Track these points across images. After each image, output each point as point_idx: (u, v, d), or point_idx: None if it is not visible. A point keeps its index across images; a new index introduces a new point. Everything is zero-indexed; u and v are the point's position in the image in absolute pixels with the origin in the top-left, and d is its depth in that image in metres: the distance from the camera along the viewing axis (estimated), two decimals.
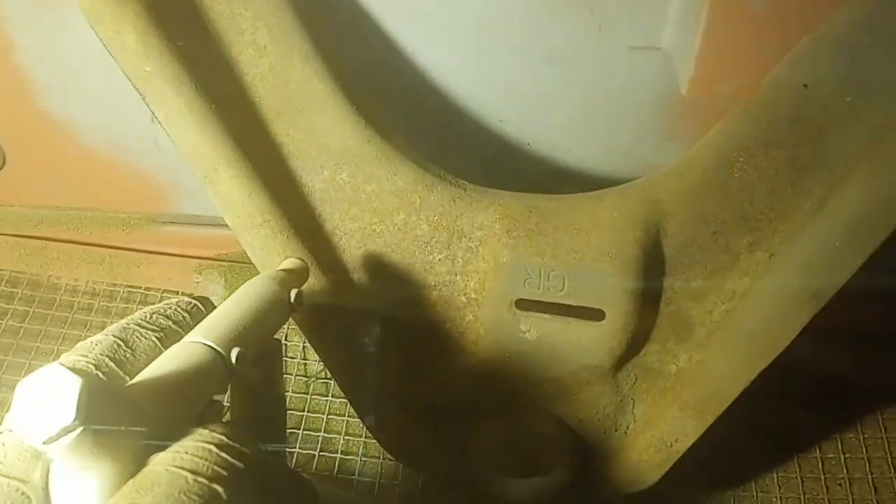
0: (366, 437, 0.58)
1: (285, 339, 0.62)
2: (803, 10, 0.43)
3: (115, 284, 0.66)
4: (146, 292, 0.66)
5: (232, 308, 0.34)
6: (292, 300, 0.38)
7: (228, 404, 0.34)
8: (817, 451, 0.56)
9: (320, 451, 0.57)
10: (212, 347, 0.31)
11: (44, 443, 0.23)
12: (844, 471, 0.55)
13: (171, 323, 0.34)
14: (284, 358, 0.61)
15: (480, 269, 0.48)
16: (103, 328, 0.32)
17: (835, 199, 0.44)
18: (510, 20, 0.50)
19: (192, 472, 0.25)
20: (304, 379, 0.60)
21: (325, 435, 0.57)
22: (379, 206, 0.48)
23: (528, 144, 0.56)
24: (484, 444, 0.50)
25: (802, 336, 0.44)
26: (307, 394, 0.59)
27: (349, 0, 0.51)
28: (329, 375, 0.59)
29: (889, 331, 0.59)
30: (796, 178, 0.45)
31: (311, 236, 0.48)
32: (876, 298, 0.55)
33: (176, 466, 0.25)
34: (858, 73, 0.42)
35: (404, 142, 0.50)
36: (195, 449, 0.26)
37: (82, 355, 0.30)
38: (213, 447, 0.27)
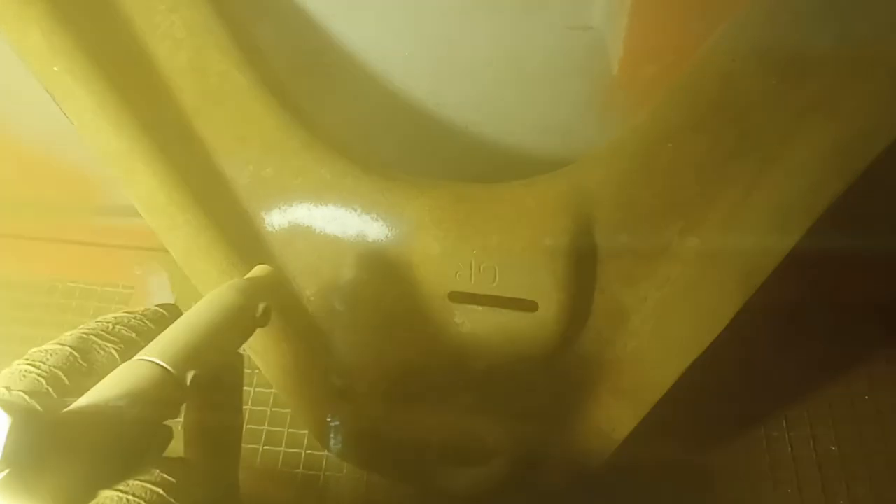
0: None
1: None
2: None
3: (53, 279, 0.65)
4: (86, 286, 0.65)
5: (191, 323, 0.31)
6: (259, 314, 0.35)
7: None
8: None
9: (264, 445, 0.56)
10: (164, 368, 0.28)
11: None
12: (789, 450, 0.55)
13: (133, 334, 0.31)
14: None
15: (412, 261, 0.48)
16: (44, 325, 0.30)
17: (763, 182, 0.43)
18: (437, 5, 0.49)
19: None
20: (248, 371, 0.59)
21: (269, 428, 0.57)
22: (306, 200, 0.47)
23: (465, 128, 0.55)
24: (422, 436, 0.50)
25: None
26: (251, 386, 0.59)
27: None
28: None
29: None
30: (724, 161, 0.44)
31: (238, 234, 0.47)
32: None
33: None
34: (781, 54, 0.41)
35: (332, 133, 0.49)
36: (142, 492, 0.25)
37: (32, 365, 0.28)
38: (160, 490, 0.25)
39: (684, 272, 0.46)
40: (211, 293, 0.34)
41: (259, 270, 0.39)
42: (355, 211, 0.47)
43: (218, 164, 0.47)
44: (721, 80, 0.42)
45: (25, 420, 0.22)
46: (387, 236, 0.47)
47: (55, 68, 0.43)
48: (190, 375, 0.28)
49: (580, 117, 0.53)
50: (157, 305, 0.34)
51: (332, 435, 0.50)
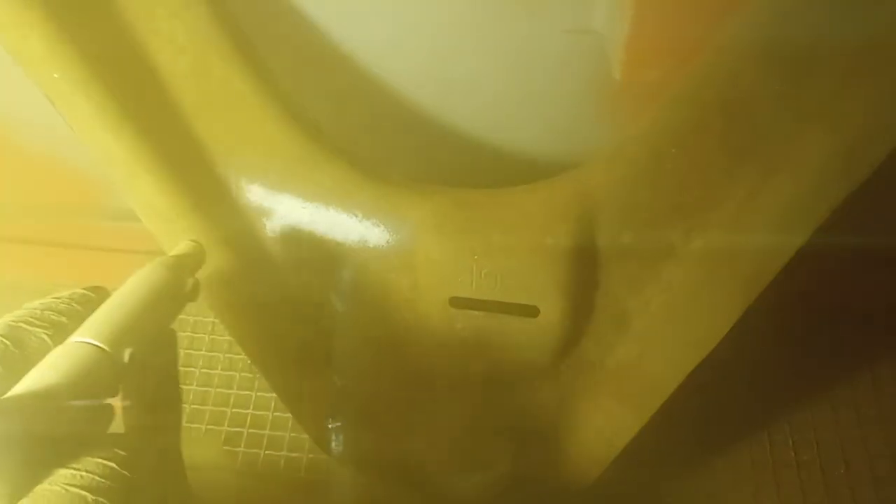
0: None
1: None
2: None
3: (54, 282, 0.65)
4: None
5: (121, 302, 0.31)
6: (188, 288, 0.35)
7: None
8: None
9: (265, 449, 0.56)
10: (99, 347, 0.28)
11: None
12: (793, 454, 0.55)
13: (63, 318, 0.31)
14: (230, 355, 0.61)
15: (413, 266, 0.47)
16: None
17: (768, 185, 0.43)
18: (438, 8, 0.49)
19: (93, 492, 0.24)
20: (249, 376, 0.60)
21: (271, 433, 0.57)
22: (308, 207, 0.47)
23: (466, 133, 0.55)
24: (424, 442, 0.50)
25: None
26: (252, 391, 0.59)
27: None
28: None
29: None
30: (728, 165, 0.43)
31: (239, 240, 0.47)
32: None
33: (75, 486, 0.24)
34: (787, 55, 0.41)
35: (332, 137, 0.48)
36: (94, 466, 0.25)
37: None
38: (113, 464, 0.26)
39: (688, 276, 0.46)
40: (138, 272, 0.34)
41: (185, 247, 0.39)
42: (356, 216, 0.47)
43: (218, 170, 0.47)
44: (725, 83, 0.42)
45: None
46: (388, 241, 0.47)
47: (55, 75, 0.43)
48: (127, 353, 0.29)
49: (582, 121, 0.53)
50: (84, 288, 0.34)
51: (332, 439, 0.50)
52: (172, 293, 0.34)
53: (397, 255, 0.47)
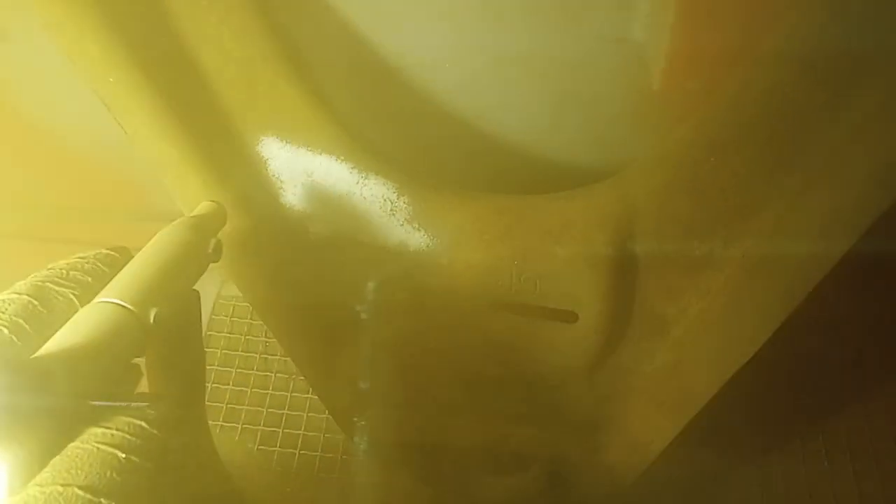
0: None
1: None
2: (772, 7, 0.42)
3: None
4: None
5: (146, 262, 0.31)
6: (210, 249, 0.35)
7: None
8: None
9: (301, 449, 0.57)
10: (125, 307, 0.28)
11: None
12: (826, 464, 0.55)
13: (89, 278, 0.31)
14: (265, 356, 0.62)
15: (454, 271, 0.48)
16: None
17: (809, 195, 0.43)
18: (478, 17, 0.49)
19: (124, 450, 0.25)
20: (285, 377, 0.60)
21: (305, 433, 0.58)
22: (350, 210, 0.48)
23: (504, 140, 0.55)
24: (459, 443, 0.50)
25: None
26: (287, 392, 0.60)
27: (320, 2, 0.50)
28: None
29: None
30: (768, 175, 0.44)
31: (284, 243, 0.48)
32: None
33: (107, 444, 0.24)
34: (829, 68, 0.41)
35: (375, 143, 0.49)
36: (126, 426, 0.25)
37: None
38: (143, 423, 0.26)
39: (727, 284, 0.46)
40: (161, 232, 0.34)
41: (206, 207, 0.39)
42: (398, 220, 0.48)
43: (264, 174, 0.48)
44: (766, 94, 0.42)
45: None
46: (429, 246, 0.48)
47: (110, 79, 0.44)
48: (152, 313, 0.29)
49: (620, 129, 0.54)
50: (107, 248, 0.34)
51: (366, 438, 0.51)
52: (195, 253, 0.34)
53: (437, 259, 0.48)
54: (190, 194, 0.46)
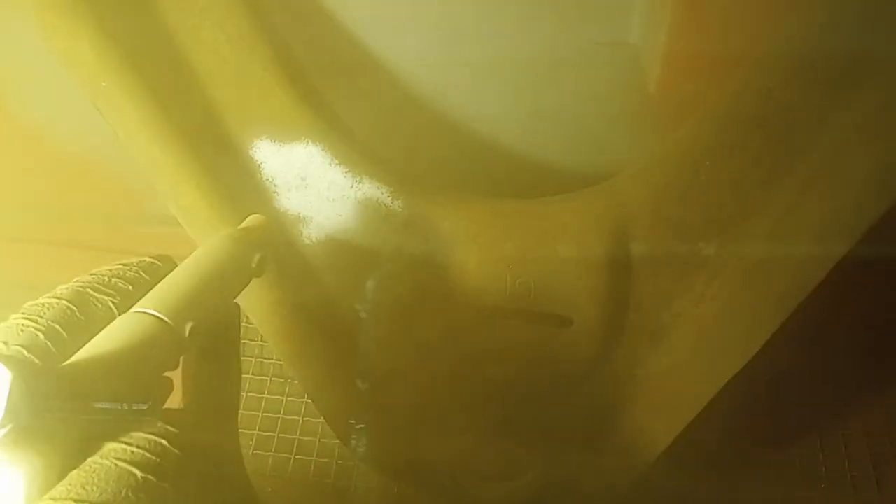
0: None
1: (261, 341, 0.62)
2: (769, 10, 0.42)
3: None
4: None
5: (186, 274, 0.31)
6: (254, 264, 0.34)
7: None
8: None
9: (295, 454, 0.57)
10: (161, 319, 0.28)
11: None
12: (823, 470, 0.55)
13: (129, 286, 0.31)
14: (261, 359, 0.62)
15: (448, 275, 0.48)
16: None
17: (805, 200, 0.43)
18: (475, 20, 0.49)
19: (142, 468, 0.24)
20: (280, 381, 0.60)
21: (300, 438, 0.57)
22: (344, 215, 0.48)
23: (500, 143, 0.55)
24: (455, 449, 0.50)
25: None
26: (283, 395, 0.59)
27: (314, 4, 0.50)
28: None
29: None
30: (764, 179, 0.44)
31: (279, 247, 0.48)
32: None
33: (125, 461, 0.24)
34: (825, 71, 0.41)
35: (369, 147, 0.49)
36: (146, 443, 0.25)
37: (30, 319, 0.27)
38: (164, 441, 0.25)
39: (722, 289, 0.46)
40: (205, 243, 0.33)
41: (253, 220, 0.38)
42: (392, 225, 0.48)
43: (260, 179, 0.48)
44: (762, 97, 0.42)
45: (26, 375, 0.21)
46: (423, 250, 0.48)
47: (103, 83, 0.44)
48: (188, 327, 0.28)
49: (616, 133, 0.54)
50: (151, 257, 0.33)
51: (361, 443, 0.50)
52: (238, 267, 0.33)
53: (432, 262, 0.48)
54: (183, 199, 0.45)
